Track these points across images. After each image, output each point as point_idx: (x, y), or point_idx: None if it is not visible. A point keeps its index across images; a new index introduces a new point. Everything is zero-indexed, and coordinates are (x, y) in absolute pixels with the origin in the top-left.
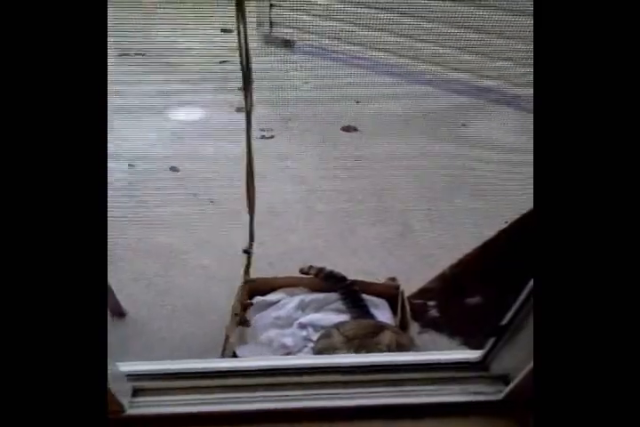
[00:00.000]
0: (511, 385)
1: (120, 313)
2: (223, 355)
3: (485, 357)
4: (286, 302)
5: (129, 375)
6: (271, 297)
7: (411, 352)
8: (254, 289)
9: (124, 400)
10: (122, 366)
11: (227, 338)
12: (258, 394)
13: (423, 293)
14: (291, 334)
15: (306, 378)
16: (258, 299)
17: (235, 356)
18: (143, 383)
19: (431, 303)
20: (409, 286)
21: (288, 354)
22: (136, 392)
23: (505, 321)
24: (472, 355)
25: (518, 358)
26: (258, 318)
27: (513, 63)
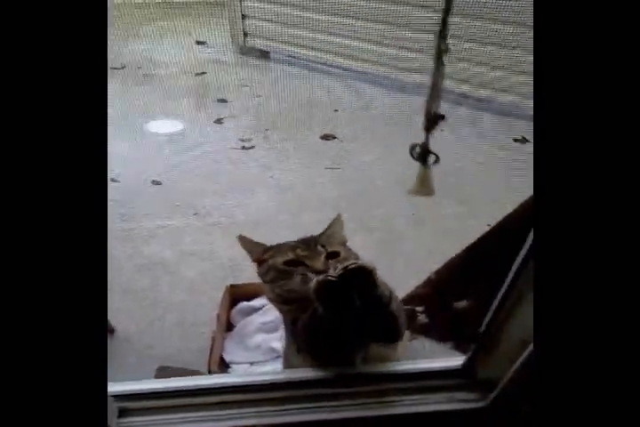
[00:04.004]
0: (496, 391)
1: (109, 329)
2: (210, 361)
3: (469, 363)
4: (272, 307)
5: (114, 396)
6: (256, 302)
7: (394, 362)
8: (239, 295)
9: (111, 422)
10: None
11: (213, 344)
12: (246, 410)
13: (411, 299)
14: (278, 338)
15: (291, 392)
16: (243, 304)
17: (222, 361)
18: (129, 404)
19: (419, 309)
20: (397, 293)
21: (277, 358)
22: (122, 413)
23: (483, 327)
24: (455, 362)
25: (502, 363)
26: (244, 324)
27: (486, 68)
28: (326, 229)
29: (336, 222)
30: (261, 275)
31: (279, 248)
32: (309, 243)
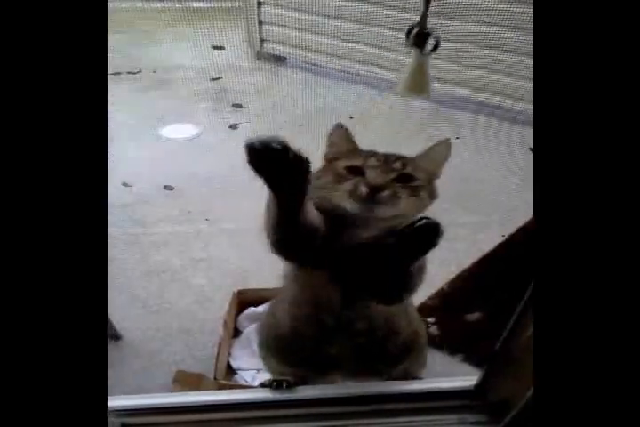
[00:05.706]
0: (510, 414)
1: (115, 336)
2: (216, 368)
3: (482, 384)
4: None
5: (116, 411)
6: (264, 308)
7: (405, 381)
8: (247, 300)
9: None
10: (109, 400)
11: (219, 350)
12: None
13: (422, 310)
14: None
15: (299, 410)
16: (250, 310)
17: (229, 367)
18: (132, 419)
19: (430, 320)
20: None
21: None
22: None
23: (497, 347)
24: (468, 382)
25: (516, 387)
26: (251, 330)
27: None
28: (424, 152)
29: (440, 147)
30: (315, 177)
31: (356, 152)
32: (391, 158)
